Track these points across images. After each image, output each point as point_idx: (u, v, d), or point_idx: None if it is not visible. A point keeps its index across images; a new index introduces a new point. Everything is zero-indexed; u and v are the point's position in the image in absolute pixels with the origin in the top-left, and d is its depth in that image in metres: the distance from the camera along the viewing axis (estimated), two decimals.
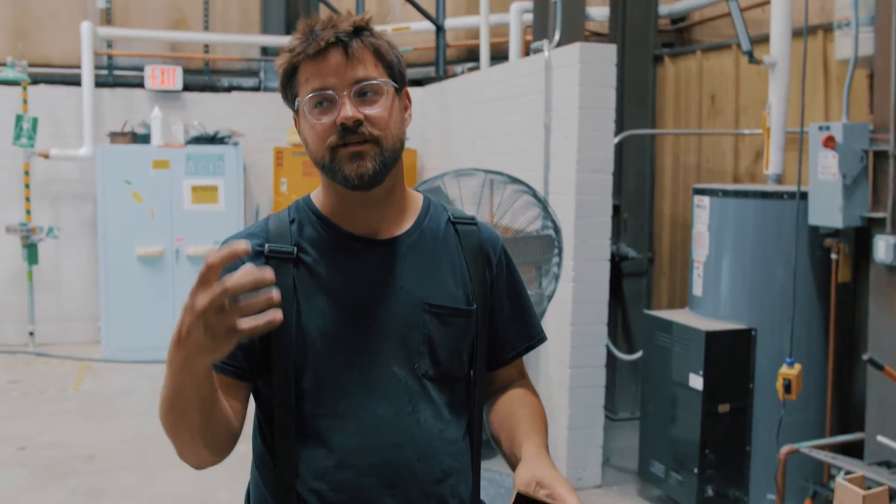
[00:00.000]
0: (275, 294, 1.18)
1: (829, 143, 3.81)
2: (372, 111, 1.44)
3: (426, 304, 1.51)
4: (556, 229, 4.29)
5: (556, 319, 4.69)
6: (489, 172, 4.28)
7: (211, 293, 1.16)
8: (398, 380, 1.49)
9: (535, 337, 1.67)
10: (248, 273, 1.17)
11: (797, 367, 3.52)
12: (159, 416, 1.42)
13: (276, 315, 1.17)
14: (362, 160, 1.43)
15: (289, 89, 1.48)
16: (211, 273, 1.16)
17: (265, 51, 8.75)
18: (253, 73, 8.75)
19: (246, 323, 1.17)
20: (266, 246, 1.48)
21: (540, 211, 4.33)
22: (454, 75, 7.24)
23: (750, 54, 4.43)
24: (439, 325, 1.51)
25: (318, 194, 1.56)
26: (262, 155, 8.02)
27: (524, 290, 1.67)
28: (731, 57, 5.56)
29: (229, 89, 8.51)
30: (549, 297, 4.32)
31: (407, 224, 1.56)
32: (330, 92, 1.42)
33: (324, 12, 7.54)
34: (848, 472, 3.26)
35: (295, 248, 1.49)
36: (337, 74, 1.43)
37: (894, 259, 3.71)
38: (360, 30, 1.46)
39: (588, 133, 4.57)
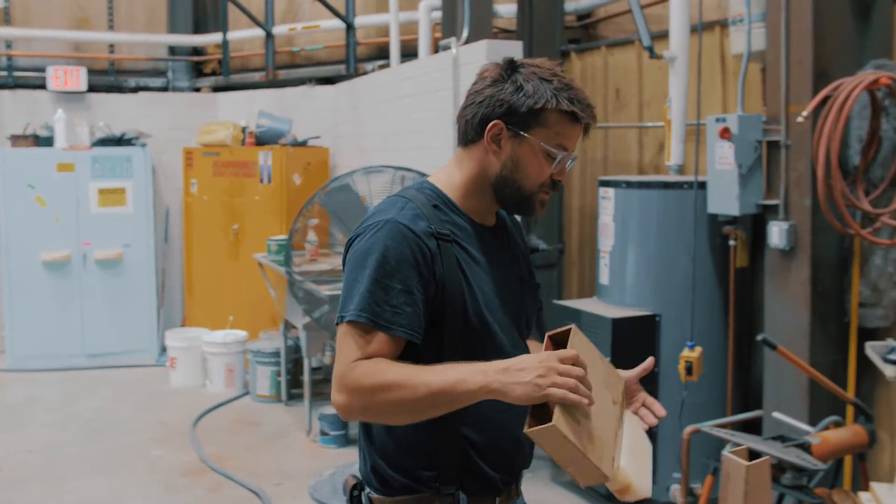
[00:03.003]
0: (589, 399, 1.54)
1: (725, 134, 3.95)
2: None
3: (522, 279, 1.89)
4: None
5: None
6: (399, 169, 4.32)
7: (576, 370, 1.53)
8: (515, 340, 1.81)
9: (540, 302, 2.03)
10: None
11: (698, 349, 3.65)
12: (392, 395, 1.59)
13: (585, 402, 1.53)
14: (545, 208, 1.80)
15: (532, 116, 1.71)
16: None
17: (173, 50, 8.61)
18: (160, 73, 8.60)
19: (566, 394, 1.50)
20: (431, 227, 1.70)
21: None
22: (365, 73, 7.24)
23: (650, 49, 4.56)
24: (531, 294, 1.91)
25: (448, 186, 1.80)
26: (171, 156, 7.89)
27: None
28: (635, 52, 5.71)
29: (136, 90, 8.36)
30: None
31: (494, 215, 1.88)
32: (566, 155, 1.74)
33: (236, 13, 7.45)
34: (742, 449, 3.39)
35: (449, 232, 1.73)
36: (575, 144, 1.76)
37: (787, 244, 3.87)
38: None
39: None
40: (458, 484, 1.74)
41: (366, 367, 1.60)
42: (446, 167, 1.84)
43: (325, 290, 4.69)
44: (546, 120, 1.71)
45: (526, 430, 1.53)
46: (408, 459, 1.74)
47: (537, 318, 1.99)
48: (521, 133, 1.72)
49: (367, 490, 1.80)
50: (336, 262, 4.63)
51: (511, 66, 1.74)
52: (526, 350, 1.84)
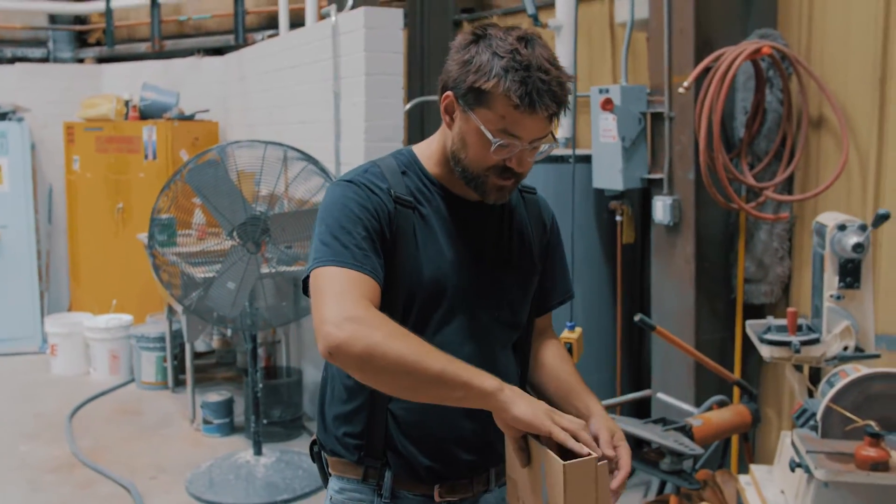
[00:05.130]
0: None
1: (607, 105, 3.81)
2: (531, 159, 1.61)
3: (508, 260, 1.74)
4: None
5: None
6: (269, 144, 4.07)
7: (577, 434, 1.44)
8: (484, 325, 1.70)
9: (569, 291, 1.92)
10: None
11: (578, 330, 3.50)
12: (390, 359, 1.44)
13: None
14: (504, 194, 1.65)
15: (475, 94, 1.55)
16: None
17: (53, 19, 8.13)
18: (41, 43, 8.11)
19: (568, 438, 1.42)
20: (392, 191, 1.63)
21: (326, 182, 4.15)
22: (255, 43, 6.92)
23: (535, 18, 4.39)
24: (517, 279, 1.75)
25: (424, 154, 1.72)
26: (54, 131, 7.44)
27: (564, 251, 1.92)
28: (527, 21, 5.53)
29: (13, 60, 7.86)
30: None
31: None
32: (518, 142, 1.56)
33: None
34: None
35: (412, 199, 1.65)
36: (532, 133, 1.56)
37: (671, 219, 3.76)
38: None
39: (376, 100, 4.42)
40: (385, 460, 1.68)
41: (377, 312, 1.49)
42: (432, 136, 1.76)
43: (199, 272, 4.43)
44: (490, 102, 1.54)
45: (565, 463, 1.39)
46: (342, 426, 1.72)
47: (541, 308, 1.86)
48: (466, 110, 1.58)
49: (321, 450, 1.80)
50: (224, 243, 4.36)
51: (477, 34, 1.59)
52: (498, 340, 1.74)
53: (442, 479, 1.70)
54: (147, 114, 6.95)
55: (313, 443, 1.82)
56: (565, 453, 1.42)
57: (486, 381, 1.45)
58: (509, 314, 1.75)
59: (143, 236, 6.05)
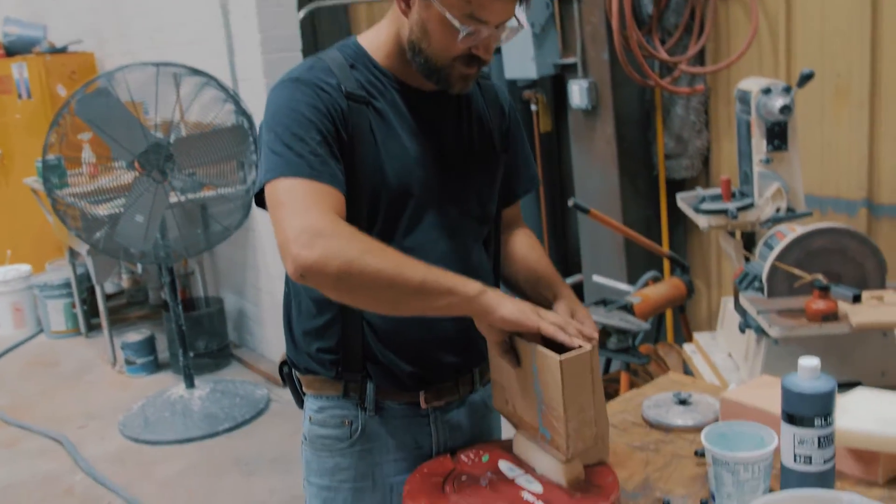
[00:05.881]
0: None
1: None
2: (496, 45, 1.50)
3: (471, 151, 1.63)
4: (249, 118, 3.96)
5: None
6: (161, 65, 3.83)
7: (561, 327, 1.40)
8: (454, 220, 1.61)
9: (534, 179, 1.83)
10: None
11: None
12: (368, 274, 1.35)
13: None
14: (468, 83, 1.54)
15: None
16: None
17: None
18: None
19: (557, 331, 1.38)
20: (342, 87, 1.50)
21: (226, 100, 3.96)
22: None
23: None
24: (482, 170, 1.65)
25: (372, 45, 1.58)
26: None
27: (525, 138, 1.80)
28: None
29: None
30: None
31: None
32: (485, 28, 1.43)
33: None
34: None
35: (365, 93, 1.53)
36: (501, 15, 1.43)
37: (588, 103, 3.73)
38: None
39: (268, 10, 4.20)
40: (365, 372, 1.60)
41: (346, 226, 1.39)
42: (378, 24, 1.61)
43: (101, 210, 4.20)
44: None
45: (561, 358, 1.34)
46: (314, 342, 1.62)
47: (507, 198, 1.77)
48: None
49: (293, 370, 1.70)
50: (123, 177, 4.13)
51: None
52: (469, 234, 1.65)
53: (426, 385, 1.63)
54: (13, 50, 6.49)
55: (283, 363, 1.73)
56: (552, 350, 1.38)
57: (468, 285, 1.39)
58: (478, 207, 1.66)
59: (31, 180, 5.72)
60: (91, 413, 4.60)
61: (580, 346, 1.37)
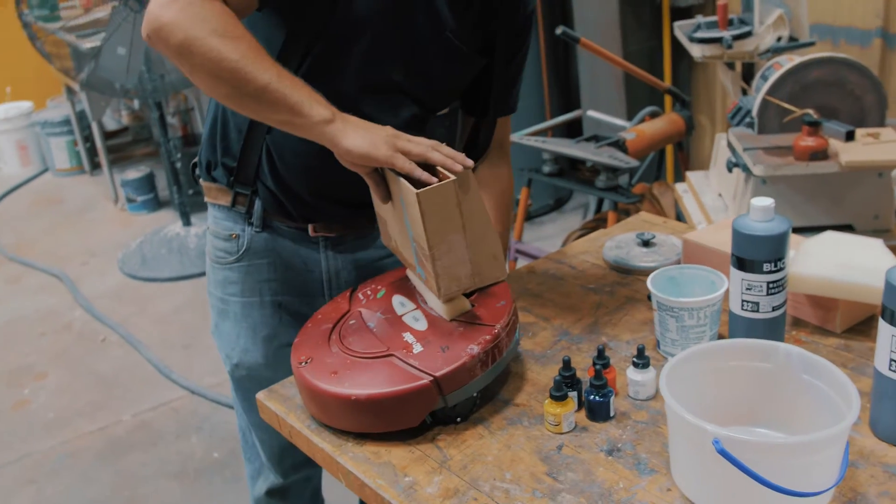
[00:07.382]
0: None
1: None
2: None
3: (447, 33, 1.43)
4: None
5: None
6: None
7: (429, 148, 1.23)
8: (399, 96, 1.45)
9: (516, 105, 1.63)
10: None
11: None
12: (209, 58, 1.19)
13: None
14: None
15: None
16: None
17: None
18: None
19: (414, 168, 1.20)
20: None
21: None
22: None
23: None
24: (447, 57, 1.45)
25: None
26: None
27: (524, 61, 1.61)
28: None
29: None
30: None
31: None
32: None
33: None
34: (556, 155, 3.17)
35: None
36: None
37: None
38: None
39: None
40: (254, 188, 1.53)
41: (221, 7, 1.21)
42: None
43: (86, 44, 4.06)
44: None
45: (418, 191, 1.17)
46: (217, 146, 1.54)
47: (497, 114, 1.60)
48: None
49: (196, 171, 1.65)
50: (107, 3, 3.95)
51: None
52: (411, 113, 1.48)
53: (315, 220, 1.55)
54: None
55: (194, 165, 1.66)
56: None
57: (317, 108, 1.22)
58: (425, 93, 1.49)
59: (24, 13, 5.53)
60: (92, 250, 4.62)
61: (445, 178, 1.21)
